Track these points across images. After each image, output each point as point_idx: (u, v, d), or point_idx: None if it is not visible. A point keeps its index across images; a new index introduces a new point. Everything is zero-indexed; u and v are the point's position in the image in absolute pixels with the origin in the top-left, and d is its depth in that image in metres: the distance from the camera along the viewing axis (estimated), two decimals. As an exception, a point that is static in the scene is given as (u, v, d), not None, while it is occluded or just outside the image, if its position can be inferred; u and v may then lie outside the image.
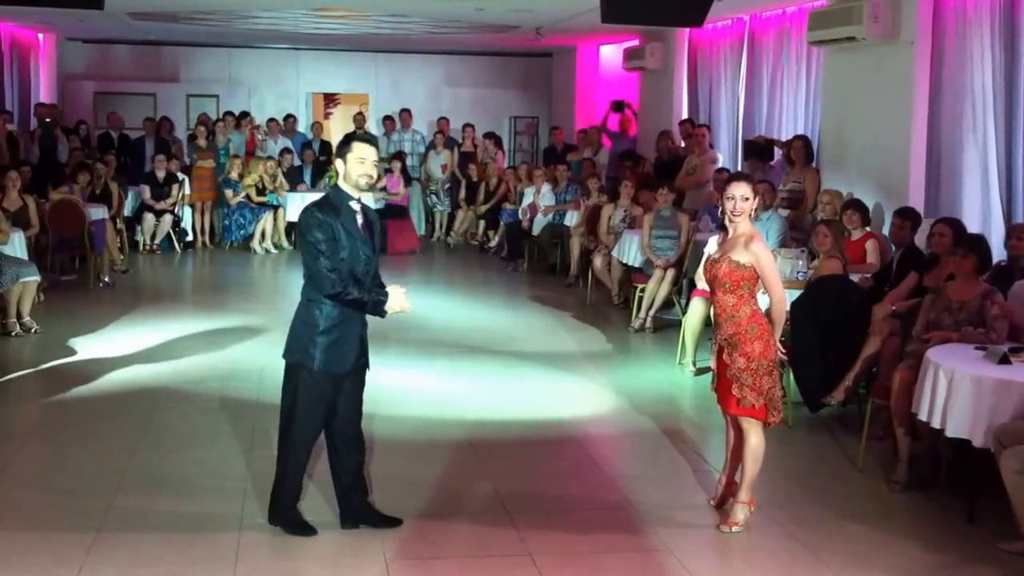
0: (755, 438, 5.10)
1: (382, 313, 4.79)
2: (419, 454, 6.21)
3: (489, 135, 16.24)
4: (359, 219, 4.76)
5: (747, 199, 5.05)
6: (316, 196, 16.28)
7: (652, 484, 5.79)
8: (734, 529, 5.09)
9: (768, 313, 5.10)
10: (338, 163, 4.78)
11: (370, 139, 4.94)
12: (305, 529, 4.95)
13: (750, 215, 5.09)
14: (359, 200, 4.79)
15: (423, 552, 4.83)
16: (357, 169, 4.73)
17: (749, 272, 4.99)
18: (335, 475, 5.03)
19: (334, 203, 4.73)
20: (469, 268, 13.88)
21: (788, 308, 6.96)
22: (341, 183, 4.79)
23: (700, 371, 8.09)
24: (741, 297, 5.02)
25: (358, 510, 5.03)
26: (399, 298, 4.80)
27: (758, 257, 4.98)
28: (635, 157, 13.56)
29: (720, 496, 5.41)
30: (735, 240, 5.08)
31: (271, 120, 16.45)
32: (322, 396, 4.81)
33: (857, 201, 8.29)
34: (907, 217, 7.58)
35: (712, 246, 5.31)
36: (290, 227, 14.61)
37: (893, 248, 7.71)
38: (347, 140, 4.84)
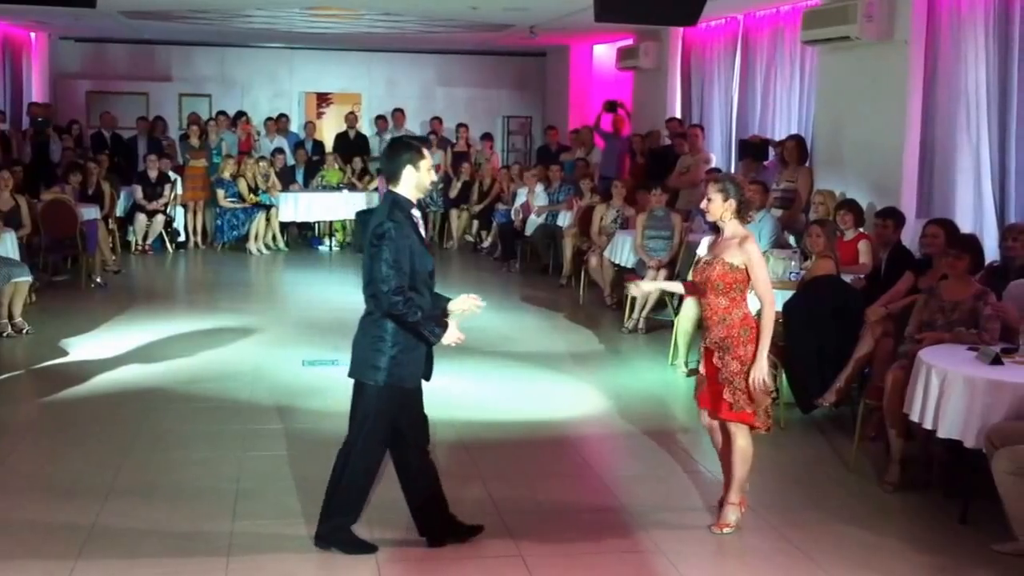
0: (742, 440, 5.07)
1: (434, 343, 4.62)
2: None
3: (486, 136, 16.28)
4: (420, 227, 4.65)
5: (709, 200, 5.04)
6: (309, 195, 15.96)
7: (644, 485, 5.78)
8: (725, 531, 5.08)
9: (759, 314, 5.08)
10: (408, 170, 4.54)
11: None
12: (364, 547, 4.77)
13: (729, 216, 5.01)
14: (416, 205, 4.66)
15: (415, 553, 4.81)
16: (428, 177, 4.63)
17: (742, 274, 4.96)
18: (409, 494, 4.84)
19: (404, 211, 4.54)
20: (462, 268, 13.88)
21: (780, 309, 7.00)
22: (403, 190, 4.57)
23: (692, 372, 8.04)
24: (734, 300, 4.98)
25: (440, 526, 4.88)
26: (454, 332, 4.63)
27: (751, 258, 4.95)
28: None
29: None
30: (726, 242, 5.04)
31: (269, 119, 16.42)
32: (387, 413, 4.66)
33: (851, 201, 8.29)
34: (889, 216, 7.59)
35: (703, 248, 5.26)
36: (283, 227, 14.60)
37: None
38: (415, 147, 4.61)
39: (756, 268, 4.97)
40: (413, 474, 4.81)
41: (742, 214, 5.04)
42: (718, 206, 5.01)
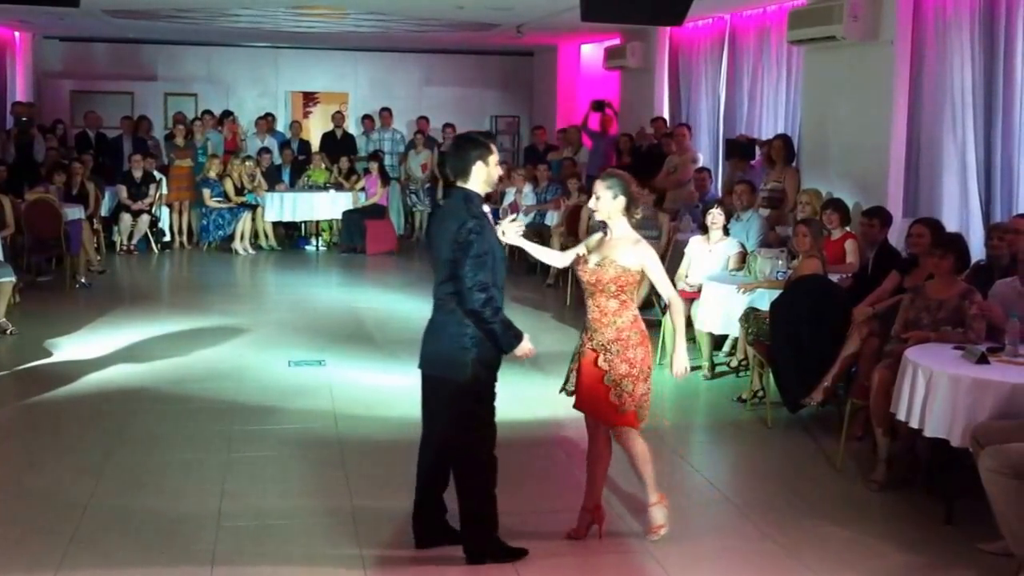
0: (636, 444, 4.88)
1: (506, 351, 4.59)
2: (400, 455, 6.13)
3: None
4: (491, 220, 4.63)
5: (597, 198, 4.80)
6: (295, 195, 15.88)
7: (631, 484, 5.75)
8: (661, 532, 4.94)
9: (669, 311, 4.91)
10: (478, 166, 4.53)
11: None
12: (516, 552, 4.71)
13: (618, 214, 4.78)
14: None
15: (403, 553, 4.79)
16: (496, 171, 4.63)
17: (635, 276, 4.77)
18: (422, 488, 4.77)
19: (478, 207, 4.53)
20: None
21: (767, 308, 7.00)
22: (473, 185, 4.54)
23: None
24: (624, 302, 4.78)
25: (435, 528, 4.81)
26: (528, 345, 4.63)
27: (648, 260, 4.77)
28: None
29: (584, 523, 5.02)
30: (616, 243, 4.79)
31: (259, 119, 16.35)
32: (481, 403, 4.64)
33: (837, 200, 8.30)
34: (875, 216, 7.60)
35: (581, 248, 5.01)
36: (271, 226, 14.55)
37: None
38: (483, 144, 4.59)
39: (654, 270, 4.80)
40: (428, 468, 4.75)
41: (630, 212, 4.82)
42: (607, 204, 4.76)
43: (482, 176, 4.57)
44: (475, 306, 4.43)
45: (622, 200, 4.78)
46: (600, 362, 4.79)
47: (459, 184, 4.60)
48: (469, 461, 4.63)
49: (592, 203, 4.85)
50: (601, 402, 4.83)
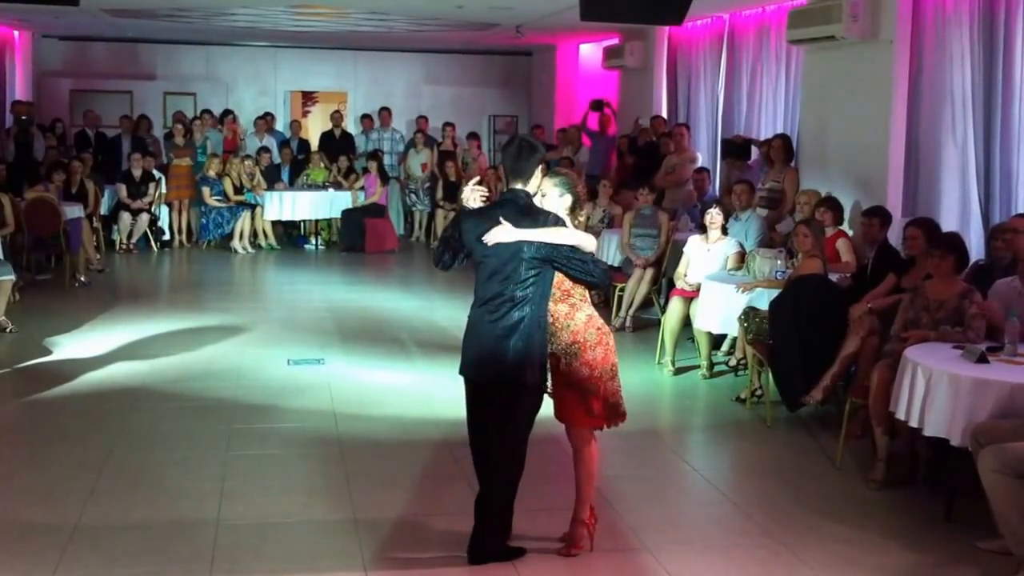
0: (590, 454, 4.78)
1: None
2: (396, 454, 6.18)
3: (472, 135, 16.28)
4: None
5: (543, 195, 4.72)
6: (295, 194, 15.88)
7: (631, 484, 5.77)
8: (576, 554, 4.80)
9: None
10: (539, 169, 4.61)
11: None
12: (515, 552, 4.76)
13: (564, 213, 4.64)
14: None
15: (401, 553, 4.80)
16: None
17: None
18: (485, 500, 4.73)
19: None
20: (449, 267, 13.81)
21: (766, 307, 7.00)
22: (531, 186, 4.62)
23: (679, 371, 8.11)
24: (574, 305, 4.66)
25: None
26: None
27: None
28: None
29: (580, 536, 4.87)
30: None
31: (259, 118, 16.34)
32: (534, 412, 4.71)
33: (831, 199, 8.29)
34: (874, 215, 7.60)
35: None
36: (271, 225, 14.54)
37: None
38: (541, 148, 4.68)
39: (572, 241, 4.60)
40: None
41: (575, 212, 4.73)
42: (552, 202, 4.66)
43: (538, 179, 4.64)
44: (602, 278, 4.62)
45: (568, 199, 4.71)
46: (562, 366, 4.70)
47: (517, 186, 4.61)
48: (517, 467, 4.68)
49: (537, 200, 4.67)
50: (568, 405, 4.75)
